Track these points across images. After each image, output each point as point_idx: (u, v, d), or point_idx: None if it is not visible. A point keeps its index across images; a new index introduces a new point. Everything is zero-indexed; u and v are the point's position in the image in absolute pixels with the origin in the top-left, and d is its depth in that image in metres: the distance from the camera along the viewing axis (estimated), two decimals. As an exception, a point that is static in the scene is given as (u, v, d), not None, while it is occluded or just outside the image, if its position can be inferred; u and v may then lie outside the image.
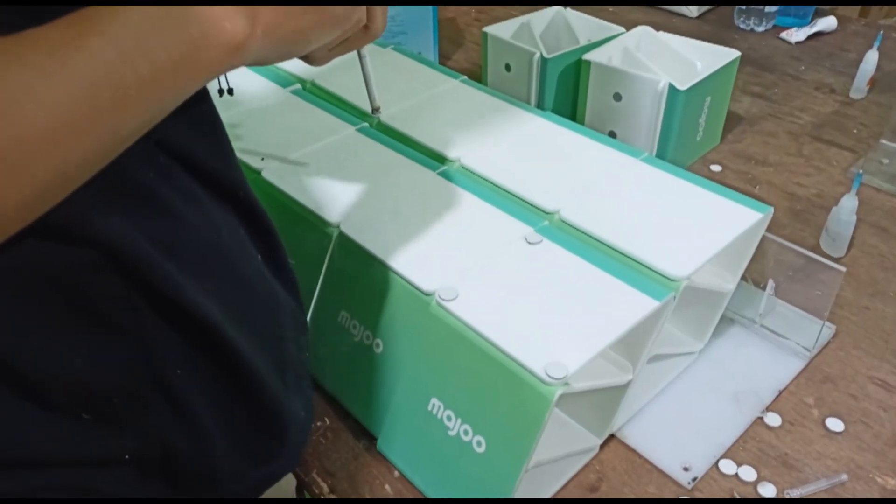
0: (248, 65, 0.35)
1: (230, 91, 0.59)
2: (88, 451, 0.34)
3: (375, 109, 0.61)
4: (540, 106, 0.87)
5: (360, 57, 0.58)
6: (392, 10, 1.00)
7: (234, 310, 0.38)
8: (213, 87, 0.48)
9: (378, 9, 0.44)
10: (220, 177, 0.39)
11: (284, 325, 0.43)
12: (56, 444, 0.33)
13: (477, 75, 0.99)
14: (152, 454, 0.36)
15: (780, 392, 0.59)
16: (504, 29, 0.91)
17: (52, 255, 0.32)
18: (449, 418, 0.50)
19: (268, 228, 0.44)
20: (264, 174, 0.65)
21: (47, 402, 0.33)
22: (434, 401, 0.51)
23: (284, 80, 0.80)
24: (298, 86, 0.79)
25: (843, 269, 0.57)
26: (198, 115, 0.39)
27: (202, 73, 0.32)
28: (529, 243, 0.56)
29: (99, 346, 0.33)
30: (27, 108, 0.26)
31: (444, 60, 1.12)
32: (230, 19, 0.31)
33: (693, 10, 1.23)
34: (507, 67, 0.89)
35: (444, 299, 0.51)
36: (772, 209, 0.57)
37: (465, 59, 1.13)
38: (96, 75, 0.27)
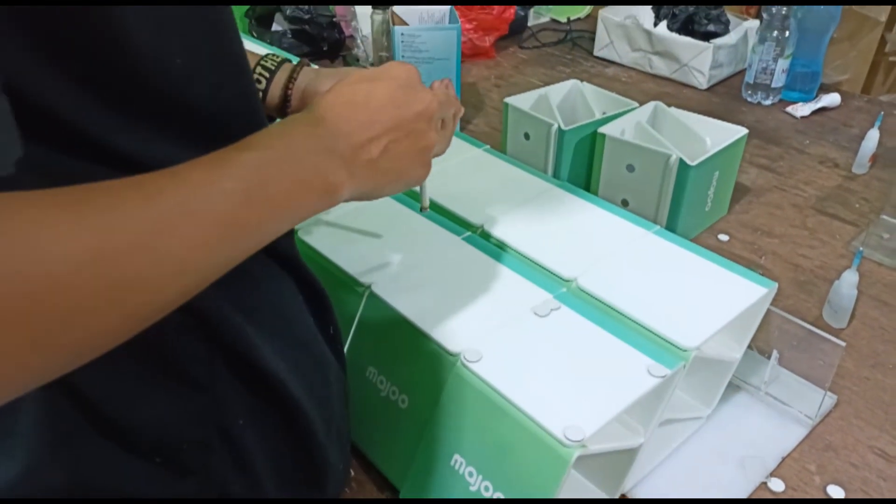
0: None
1: None
2: (156, 492, 0.38)
3: (423, 208, 0.65)
4: (556, 173, 0.92)
5: None
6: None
7: (295, 368, 0.42)
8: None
9: (444, 135, 0.54)
10: (283, 246, 0.44)
11: (331, 382, 0.47)
12: (130, 483, 0.37)
13: (496, 139, 1.04)
14: (210, 497, 0.40)
15: (784, 458, 0.62)
16: (524, 100, 0.96)
17: None
18: (471, 474, 0.53)
19: (319, 292, 0.48)
20: (300, 234, 0.69)
21: (128, 446, 0.37)
22: (456, 457, 0.55)
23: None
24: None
25: (842, 343, 0.60)
26: None
27: (303, 213, 0.38)
28: (549, 309, 0.59)
29: (177, 398, 0.37)
30: (174, 236, 0.31)
31: (465, 124, 1.18)
32: (333, 173, 0.39)
33: (703, 82, 1.29)
34: (527, 136, 0.94)
35: (468, 360, 0.55)
36: (776, 285, 0.61)
37: (484, 124, 1.19)
38: (227, 213, 0.33)
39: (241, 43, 0.40)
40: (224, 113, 0.38)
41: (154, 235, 0.30)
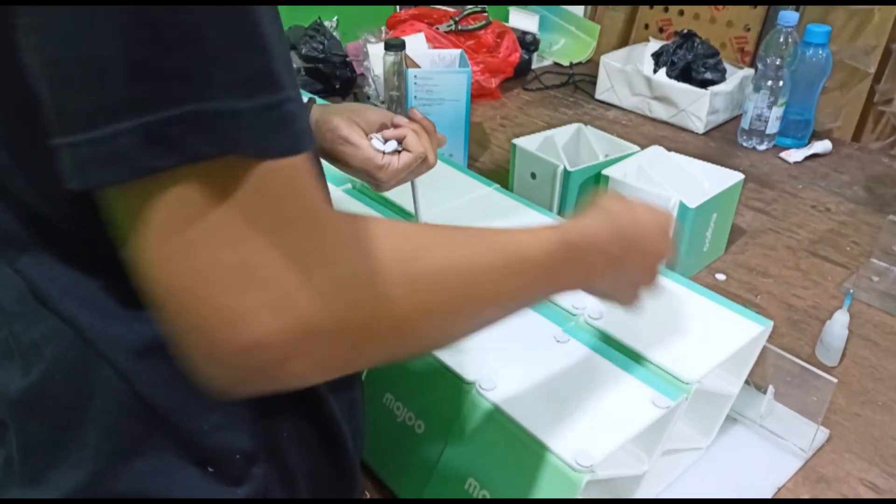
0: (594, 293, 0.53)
1: None
2: (207, 499, 0.41)
3: None
4: (561, 212, 0.96)
5: (413, 186, 0.67)
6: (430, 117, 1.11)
7: (331, 385, 0.46)
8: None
9: (432, 147, 0.64)
10: None
11: (357, 399, 0.50)
12: (186, 491, 0.40)
13: (501, 176, 1.08)
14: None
15: (779, 489, 0.65)
16: (530, 141, 1.01)
17: None
18: (484, 497, 0.56)
19: None
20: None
21: (186, 455, 0.40)
22: (471, 480, 0.58)
23: (336, 179, 0.89)
24: (349, 185, 0.88)
25: (834, 380, 0.64)
26: None
27: (563, 288, 0.47)
28: (558, 342, 0.63)
29: (233, 410, 0.41)
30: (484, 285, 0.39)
31: (472, 162, 1.22)
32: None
33: (700, 127, 1.34)
34: (533, 176, 0.99)
35: (483, 388, 0.58)
36: (772, 323, 0.65)
37: (490, 161, 1.23)
38: (529, 273, 0.42)
39: None
40: None
41: (498, 267, 0.39)
